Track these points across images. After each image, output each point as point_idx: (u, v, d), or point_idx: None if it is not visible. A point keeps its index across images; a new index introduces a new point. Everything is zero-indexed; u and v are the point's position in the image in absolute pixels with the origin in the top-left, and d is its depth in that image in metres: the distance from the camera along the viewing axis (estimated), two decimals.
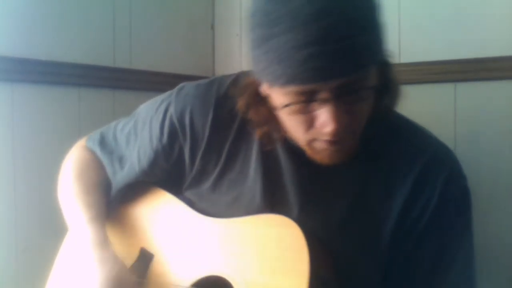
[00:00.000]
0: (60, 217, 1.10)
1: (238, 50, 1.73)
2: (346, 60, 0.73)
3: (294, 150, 0.90)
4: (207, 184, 0.98)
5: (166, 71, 1.61)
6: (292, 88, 0.76)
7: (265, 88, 0.83)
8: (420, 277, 0.90)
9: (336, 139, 0.80)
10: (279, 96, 0.80)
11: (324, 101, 0.76)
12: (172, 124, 0.98)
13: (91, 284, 0.94)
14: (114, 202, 1.09)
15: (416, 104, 1.39)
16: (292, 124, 0.83)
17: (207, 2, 1.78)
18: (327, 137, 0.80)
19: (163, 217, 1.04)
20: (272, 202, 0.92)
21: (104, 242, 1.00)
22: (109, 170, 1.07)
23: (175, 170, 1.01)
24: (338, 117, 0.76)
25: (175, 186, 1.03)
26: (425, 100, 1.40)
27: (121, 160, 1.06)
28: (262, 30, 0.75)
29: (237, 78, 0.96)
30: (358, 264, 0.89)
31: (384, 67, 0.84)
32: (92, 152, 1.10)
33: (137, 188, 1.08)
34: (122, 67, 1.52)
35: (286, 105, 0.79)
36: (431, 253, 0.90)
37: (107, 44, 1.50)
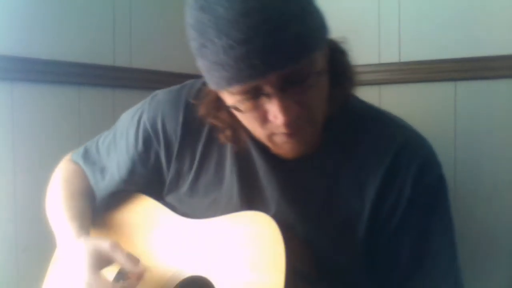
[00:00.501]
0: None
1: None
2: (277, 54, 0.74)
3: (266, 148, 0.91)
4: (184, 187, 0.99)
5: (166, 70, 1.61)
6: (235, 89, 0.78)
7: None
8: (401, 268, 0.90)
9: (292, 131, 0.82)
10: (228, 98, 0.83)
11: (269, 95, 0.78)
12: (145, 131, 1.00)
13: (78, 275, 0.92)
14: (98, 210, 1.10)
15: (416, 103, 1.40)
16: (248, 123, 0.86)
17: None
18: (282, 130, 0.82)
19: (146, 222, 1.04)
20: (249, 201, 0.93)
21: (80, 234, 0.99)
22: (91, 180, 1.09)
23: (153, 176, 1.02)
24: (285, 108, 0.78)
25: (156, 193, 1.04)
26: (425, 99, 1.40)
27: (102, 170, 1.08)
28: (195, 42, 0.79)
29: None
30: (336, 256, 0.89)
31: (334, 52, 0.85)
32: (77, 164, 1.12)
33: (120, 195, 1.09)
34: (122, 66, 1.52)
35: (235, 107, 0.81)
36: (410, 244, 0.89)
37: (107, 43, 1.49)
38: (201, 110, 0.92)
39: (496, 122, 1.32)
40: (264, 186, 0.93)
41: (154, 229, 1.02)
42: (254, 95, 0.79)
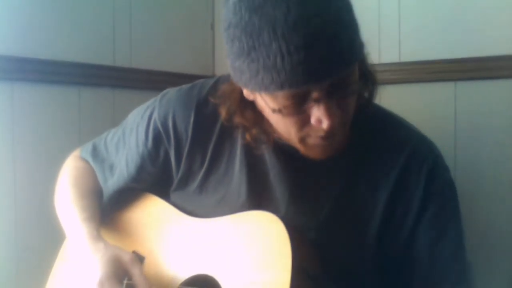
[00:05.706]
0: None
1: None
2: (335, 60, 0.75)
3: (279, 147, 0.92)
4: (194, 185, 0.99)
5: (166, 70, 1.61)
6: (284, 93, 0.78)
7: (249, 94, 0.85)
8: (415, 269, 0.91)
9: (330, 134, 0.82)
10: (269, 102, 0.82)
11: (317, 101, 0.78)
12: (156, 129, 1.00)
13: (92, 275, 0.95)
14: (106, 208, 1.11)
15: (416, 103, 1.40)
16: (284, 125, 0.85)
17: (207, 2, 1.78)
18: (321, 133, 0.82)
19: (153, 220, 1.05)
20: (258, 200, 0.93)
21: (97, 237, 1.01)
22: (100, 178, 1.10)
23: (162, 174, 1.03)
24: (331, 113, 0.79)
25: (163, 191, 1.05)
26: (425, 99, 1.40)
27: (111, 167, 1.09)
28: (241, 43, 0.77)
29: (218, 81, 0.98)
30: (346, 257, 0.90)
31: (362, 60, 0.86)
32: (85, 162, 1.13)
33: (127, 194, 1.10)
34: (122, 66, 1.52)
35: (279, 110, 0.81)
36: (424, 246, 0.91)
37: (107, 43, 1.49)
38: (224, 112, 0.92)
39: (496, 122, 1.32)
40: (274, 186, 0.93)
41: (161, 228, 1.03)
42: (300, 100, 0.79)
